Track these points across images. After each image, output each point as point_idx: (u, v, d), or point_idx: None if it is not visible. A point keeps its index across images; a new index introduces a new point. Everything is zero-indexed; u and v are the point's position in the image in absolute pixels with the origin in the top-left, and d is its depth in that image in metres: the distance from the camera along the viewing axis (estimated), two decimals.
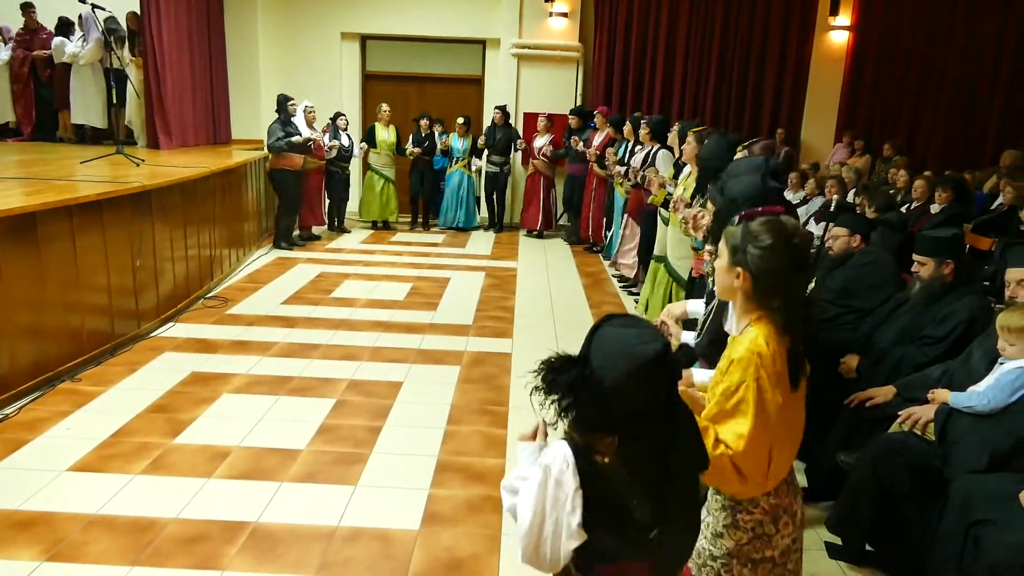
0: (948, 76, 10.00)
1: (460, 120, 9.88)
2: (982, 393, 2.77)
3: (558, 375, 1.41)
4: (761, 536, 1.86)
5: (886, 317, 3.62)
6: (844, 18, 10.07)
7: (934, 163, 9.24)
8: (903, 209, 6.30)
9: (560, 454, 1.47)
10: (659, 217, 5.85)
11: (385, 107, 9.71)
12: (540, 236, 9.98)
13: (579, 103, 10.22)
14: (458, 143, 9.87)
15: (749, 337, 1.79)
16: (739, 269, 1.81)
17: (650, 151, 7.03)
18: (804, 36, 10.16)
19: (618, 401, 1.38)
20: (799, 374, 1.80)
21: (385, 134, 9.67)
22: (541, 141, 9.69)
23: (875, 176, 8.68)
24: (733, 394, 1.75)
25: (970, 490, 2.55)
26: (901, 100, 10.18)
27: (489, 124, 9.97)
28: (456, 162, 9.94)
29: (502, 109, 9.78)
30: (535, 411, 1.48)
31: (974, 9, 9.78)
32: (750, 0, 10.01)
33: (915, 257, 3.45)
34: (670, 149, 6.53)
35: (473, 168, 10.06)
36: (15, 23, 8.90)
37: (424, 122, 9.82)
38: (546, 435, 1.65)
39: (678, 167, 5.85)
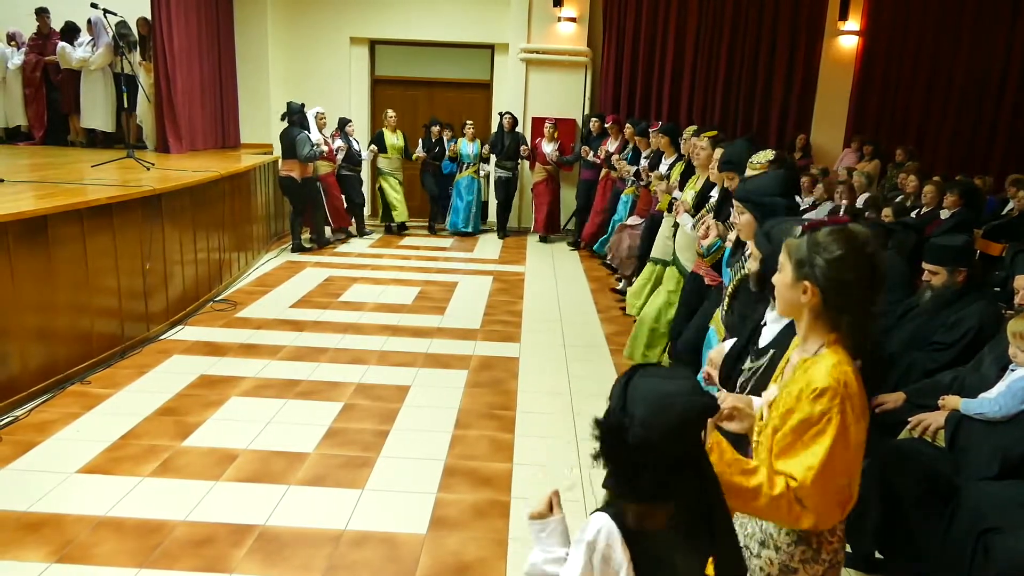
0: (957, 80, 9.96)
1: (470, 125, 9.91)
2: (993, 400, 2.75)
3: (608, 439, 1.32)
4: (835, 564, 1.77)
5: (896, 323, 3.61)
6: (853, 23, 10.04)
7: (943, 167, 9.21)
8: (912, 215, 6.28)
9: (603, 526, 1.34)
10: (665, 220, 5.84)
11: (391, 113, 9.80)
12: (546, 240, 9.99)
13: (587, 108, 10.24)
14: (468, 148, 9.89)
15: (830, 363, 1.64)
16: (806, 283, 1.67)
17: (659, 155, 7.04)
18: (813, 40, 10.13)
19: (667, 456, 1.30)
20: (868, 399, 1.70)
21: (394, 139, 9.77)
22: (549, 147, 9.70)
23: (886, 181, 8.66)
24: (813, 425, 1.60)
25: (980, 497, 2.53)
26: (910, 104, 10.14)
27: (496, 130, 9.99)
28: (467, 167, 9.96)
29: (511, 115, 9.81)
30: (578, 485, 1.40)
31: (983, 13, 9.73)
32: (758, 5, 10.00)
33: (926, 266, 3.43)
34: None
35: (482, 173, 10.09)
36: (28, 28, 8.97)
37: (435, 128, 9.87)
38: (561, 506, 1.53)
39: (688, 172, 5.84)
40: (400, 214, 9.99)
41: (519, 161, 9.97)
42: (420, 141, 9.90)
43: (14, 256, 4.01)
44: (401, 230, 10.15)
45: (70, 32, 8.72)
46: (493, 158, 9.92)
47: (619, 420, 1.32)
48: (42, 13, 8.82)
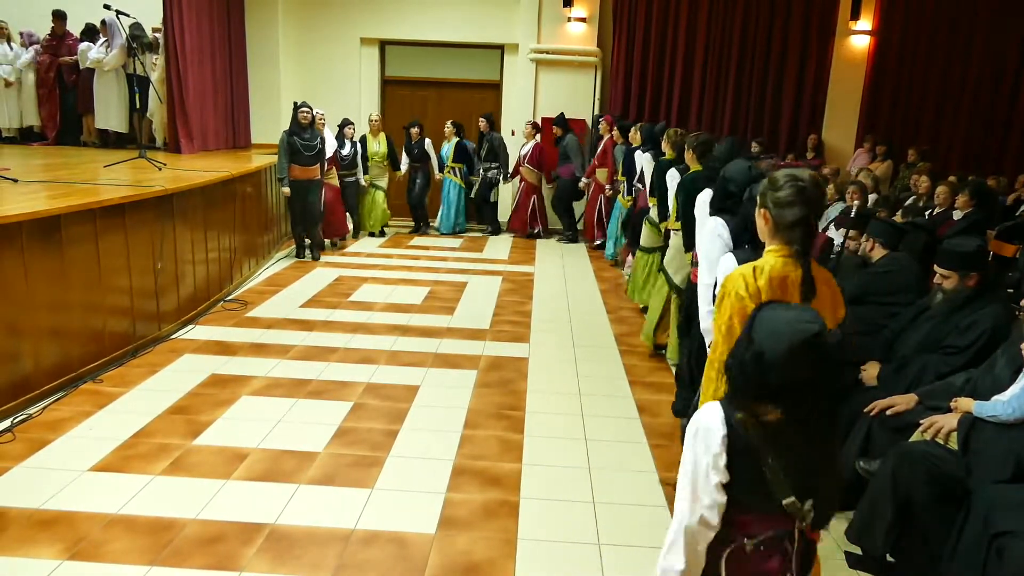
0: (970, 80, 9.88)
1: (448, 125, 9.86)
2: (1007, 402, 2.72)
3: (732, 359, 1.60)
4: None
5: (908, 324, 3.58)
6: (865, 22, 9.98)
7: (956, 168, 9.14)
8: (925, 215, 6.24)
9: (708, 415, 1.62)
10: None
11: (374, 116, 9.53)
12: (535, 236, 10.07)
13: (598, 108, 10.24)
14: (445, 150, 9.86)
15: (752, 264, 2.20)
16: (763, 210, 2.21)
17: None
18: (824, 40, 10.08)
19: (778, 373, 1.52)
20: (810, 294, 2.12)
21: (376, 145, 9.39)
22: (526, 148, 9.73)
23: (898, 182, 8.60)
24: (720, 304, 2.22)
25: (993, 500, 2.51)
26: (923, 104, 10.07)
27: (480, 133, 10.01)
28: (446, 170, 9.90)
29: (487, 117, 9.86)
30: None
31: (996, 12, 9.66)
32: (770, 4, 9.96)
33: (938, 269, 3.39)
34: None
35: (458, 174, 9.94)
36: (43, 29, 9.05)
37: (415, 130, 9.69)
38: None
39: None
40: (373, 225, 9.66)
41: (498, 160, 9.92)
42: (403, 146, 9.74)
43: (28, 255, 4.05)
44: (381, 235, 9.85)
45: (91, 34, 8.79)
46: (477, 158, 9.93)
47: (744, 344, 1.58)
48: (58, 16, 8.89)
